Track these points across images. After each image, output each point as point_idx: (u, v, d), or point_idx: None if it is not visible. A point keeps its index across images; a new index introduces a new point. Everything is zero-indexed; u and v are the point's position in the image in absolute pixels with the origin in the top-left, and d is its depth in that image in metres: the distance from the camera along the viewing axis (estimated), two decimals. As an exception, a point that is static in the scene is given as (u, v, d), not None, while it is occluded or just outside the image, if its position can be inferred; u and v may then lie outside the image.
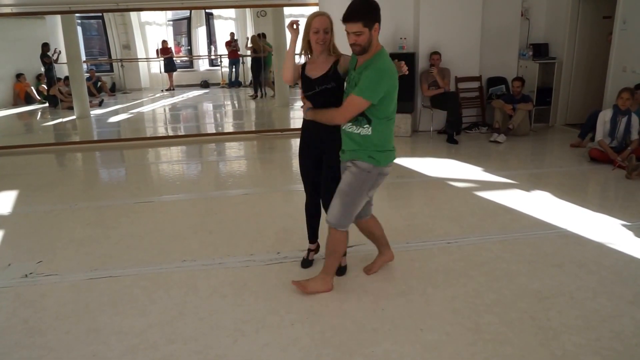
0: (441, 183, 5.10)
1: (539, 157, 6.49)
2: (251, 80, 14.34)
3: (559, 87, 7.60)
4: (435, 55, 7.02)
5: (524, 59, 7.67)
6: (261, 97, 12.36)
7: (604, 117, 5.67)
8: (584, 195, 4.81)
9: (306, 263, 3.28)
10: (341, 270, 3.14)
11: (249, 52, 14.07)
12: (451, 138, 6.85)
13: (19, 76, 10.71)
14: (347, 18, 2.49)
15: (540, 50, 7.71)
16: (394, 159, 2.76)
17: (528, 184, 4.92)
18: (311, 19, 2.78)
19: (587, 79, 7.53)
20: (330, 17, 2.82)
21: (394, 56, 7.33)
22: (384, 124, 2.65)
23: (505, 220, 4.02)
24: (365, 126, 2.63)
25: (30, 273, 3.30)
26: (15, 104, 10.82)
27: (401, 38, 7.24)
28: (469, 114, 7.61)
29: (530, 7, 7.67)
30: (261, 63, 12.15)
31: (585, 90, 7.56)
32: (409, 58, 7.20)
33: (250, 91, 13.88)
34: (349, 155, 2.73)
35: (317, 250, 3.34)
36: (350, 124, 2.68)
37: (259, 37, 12.00)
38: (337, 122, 2.72)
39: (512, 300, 2.79)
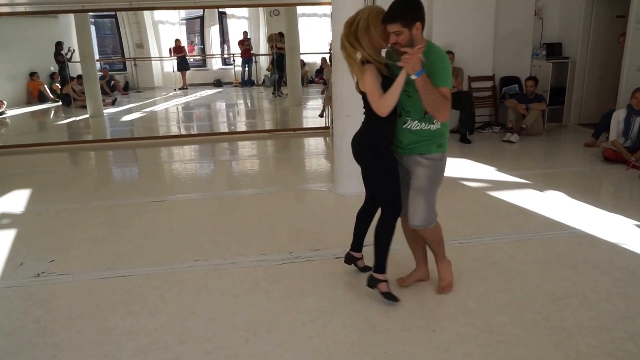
0: (454, 183, 5.06)
1: (552, 157, 6.42)
2: (264, 80, 14.38)
3: (572, 86, 7.51)
4: (448, 55, 6.94)
5: (537, 59, 7.59)
6: (279, 95, 12.37)
7: (618, 117, 5.60)
8: (598, 196, 4.74)
9: (349, 258, 3.15)
10: (348, 258, 3.11)
11: (262, 51, 14.10)
12: (464, 137, 6.80)
13: (32, 75, 10.83)
14: (386, 19, 2.47)
15: (553, 50, 7.63)
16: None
17: (541, 184, 4.87)
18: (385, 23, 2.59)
19: (600, 79, 7.44)
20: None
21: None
22: None
23: (519, 221, 3.97)
24: (434, 121, 2.57)
25: (43, 272, 3.33)
26: (29, 103, 10.96)
27: (413, 37, 7.18)
28: (482, 114, 7.55)
29: (544, 6, 7.58)
30: (282, 62, 12.16)
31: (599, 90, 7.46)
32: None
33: (263, 90, 13.92)
34: (410, 150, 2.63)
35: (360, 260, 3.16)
36: (417, 122, 2.58)
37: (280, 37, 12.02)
38: (440, 117, 2.50)
39: (525, 301, 2.76)
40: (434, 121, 2.56)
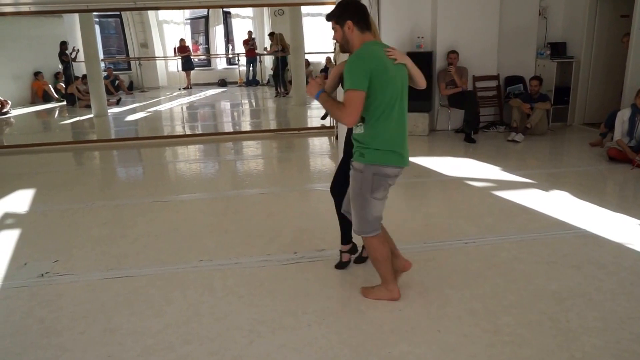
0: (458, 182, 5.05)
1: (556, 157, 6.40)
2: (268, 79, 14.36)
3: (576, 86, 7.48)
4: (452, 54, 6.95)
5: (541, 58, 7.57)
6: (283, 95, 12.40)
7: (622, 116, 5.57)
8: (603, 195, 4.72)
9: (340, 265, 3.22)
10: (341, 265, 3.19)
11: (264, 51, 14.10)
12: (469, 137, 6.79)
13: (37, 74, 10.85)
14: (326, 17, 2.69)
15: (558, 49, 7.60)
16: (400, 162, 2.62)
17: (546, 184, 4.85)
18: None
19: (605, 78, 7.41)
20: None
21: (411, 55, 7.31)
22: (380, 124, 2.53)
23: (523, 220, 3.96)
24: (359, 124, 2.59)
25: (47, 272, 3.34)
26: (34, 102, 10.98)
27: (418, 37, 7.18)
28: (487, 113, 7.53)
29: (548, 6, 7.56)
30: (285, 62, 12.21)
31: (604, 90, 7.44)
32: (427, 57, 7.15)
33: (267, 90, 13.91)
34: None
35: (351, 251, 3.24)
36: (356, 126, 2.62)
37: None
38: (344, 123, 2.56)
39: (530, 302, 2.75)
40: (359, 124, 2.59)
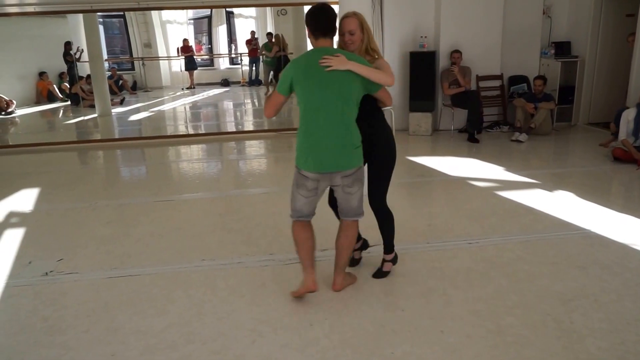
0: (462, 182, 5.03)
1: (561, 157, 6.37)
2: (271, 80, 14.39)
3: (581, 85, 7.44)
4: (456, 54, 6.93)
5: (545, 58, 7.53)
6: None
7: (628, 116, 5.53)
8: (608, 196, 4.70)
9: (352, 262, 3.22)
10: (353, 262, 3.18)
11: (262, 55, 14.13)
12: (472, 137, 6.76)
13: (41, 74, 10.90)
14: None
15: (562, 49, 7.56)
16: (307, 167, 2.66)
17: (550, 184, 4.83)
18: (340, 20, 2.76)
19: (610, 78, 7.37)
20: (359, 17, 2.76)
21: (415, 54, 7.26)
22: (301, 127, 2.67)
23: (527, 221, 3.94)
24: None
25: (51, 271, 3.35)
26: (38, 102, 11.02)
27: (422, 36, 7.16)
28: (490, 113, 7.50)
29: (552, 5, 7.52)
30: (287, 60, 12.22)
31: (609, 89, 7.40)
32: (430, 57, 7.14)
33: (270, 89, 13.91)
34: None
35: (362, 247, 3.26)
36: None
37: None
38: (265, 114, 2.77)
39: (534, 303, 2.74)
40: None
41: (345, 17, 2.72)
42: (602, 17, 7.19)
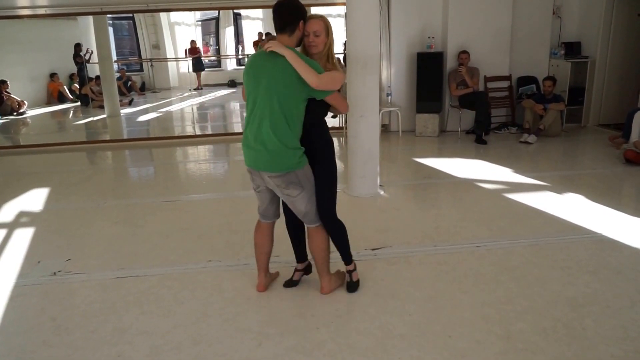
0: (469, 184, 4.99)
1: (571, 159, 6.30)
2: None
3: (592, 86, 7.37)
4: (463, 55, 6.89)
5: (555, 58, 7.46)
6: None
7: (639, 117, 5.46)
8: (619, 198, 4.64)
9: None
10: (291, 283, 3.04)
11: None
12: (480, 138, 6.71)
13: (52, 76, 11.00)
14: None
15: (572, 49, 7.49)
16: (245, 161, 2.71)
17: (560, 186, 4.77)
18: (307, 21, 2.64)
19: (621, 78, 7.30)
20: (326, 21, 2.67)
21: (422, 55, 7.23)
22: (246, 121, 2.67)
23: (537, 224, 3.90)
24: None
25: (59, 271, 3.36)
26: (49, 103, 11.12)
27: (429, 37, 7.12)
28: (499, 114, 7.44)
29: (562, 5, 7.45)
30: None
31: (620, 90, 7.32)
32: (437, 57, 7.10)
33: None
34: None
35: (303, 269, 3.10)
36: None
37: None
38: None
39: (544, 308, 2.70)
40: None
41: (311, 18, 2.64)
42: (613, 17, 7.11)
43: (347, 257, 2.91)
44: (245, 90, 2.63)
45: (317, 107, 2.64)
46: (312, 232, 2.79)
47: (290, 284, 3.02)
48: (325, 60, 2.67)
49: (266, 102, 2.51)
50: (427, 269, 3.20)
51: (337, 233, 2.85)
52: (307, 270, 3.09)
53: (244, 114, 2.66)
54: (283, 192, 2.66)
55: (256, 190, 2.78)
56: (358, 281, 2.97)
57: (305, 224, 2.82)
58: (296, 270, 3.05)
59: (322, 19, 2.68)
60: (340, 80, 2.61)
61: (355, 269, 2.95)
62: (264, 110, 2.52)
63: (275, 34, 2.64)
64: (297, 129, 2.58)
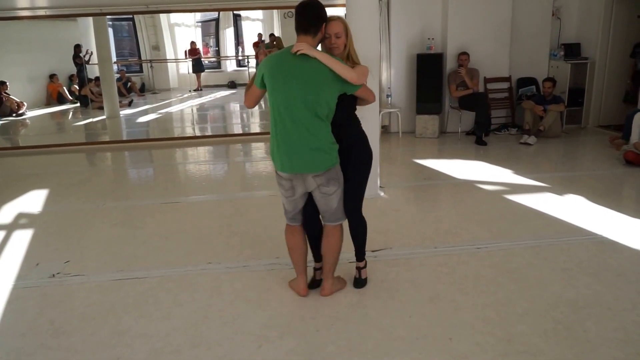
0: (470, 186, 4.98)
1: (571, 160, 6.30)
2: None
3: (591, 88, 7.37)
4: (463, 56, 6.88)
5: (555, 59, 7.46)
6: None
7: (639, 119, 5.45)
8: (620, 200, 4.63)
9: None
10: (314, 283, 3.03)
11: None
12: (480, 140, 6.71)
13: (52, 77, 10.99)
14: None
15: (572, 50, 7.48)
16: (281, 167, 2.65)
17: (560, 188, 4.76)
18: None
19: (620, 80, 7.29)
20: (344, 22, 2.72)
21: (422, 57, 7.23)
22: (271, 127, 2.65)
23: (537, 225, 3.89)
24: None
25: (58, 273, 3.34)
26: (48, 104, 11.11)
27: (429, 38, 7.12)
28: (498, 115, 7.44)
29: (562, 6, 7.45)
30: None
31: (619, 91, 7.32)
32: (437, 59, 7.09)
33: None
34: None
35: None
36: None
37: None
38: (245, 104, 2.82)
39: (545, 310, 2.69)
40: None
41: (331, 20, 2.66)
42: (612, 18, 7.11)
43: (362, 254, 2.98)
44: (272, 92, 2.58)
45: (347, 102, 2.70)
46: (331, 231, 2.79)
47: (315, 283, 3.02)
48: (345, 60, 2.71)
49: (302, 104, 2.52)
50: (428, 270, 3.19)
51: (362, 228, 2.92)
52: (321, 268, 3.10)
53: (266, 120, 2.71)
54: (322, 191, 2.66)
55: (289, 196, 2.72)
56: (366, 279, 3.01)
57: (325, 222, 2.81)
58: (317, 269, 3.05)
59: (341, 20, 2.72)
60: (368, 73, 2.71)
61: (365, 267, 3.00)
62: (301, 112, 2.53)
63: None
64: (330, 126, 2.63)
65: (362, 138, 2.82)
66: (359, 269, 3.00)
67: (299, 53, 2.50)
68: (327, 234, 2.81)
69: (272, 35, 12.97)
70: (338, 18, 2.71)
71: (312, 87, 2.51)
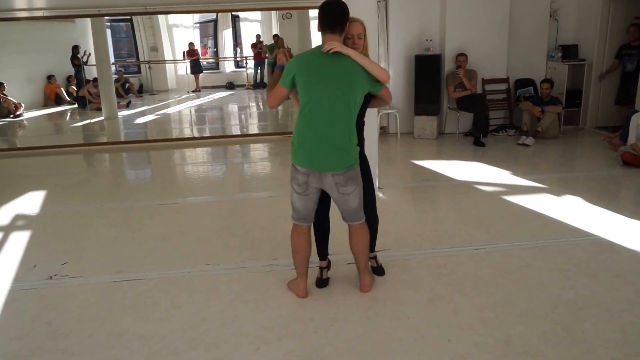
0: (468, 187, 4.99)
1: (569, 161, 6.31)
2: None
3: (589, 89, 7.37)
4: (461, 57, 6.89)
5: (552, 61, 7.48)
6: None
7: (637, 119, 5.47)
8: (617, 201, 4.64)
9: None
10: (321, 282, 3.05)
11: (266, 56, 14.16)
12: (478, 141, 6.72)
13: (49, 78, 10.96)
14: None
15: (569, 52, 7.49)
16: (300, 163, 2.65)
17: (558, 189, 4.77)
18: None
19: (618, 81, 7.29)
20: (363, 24, 2.78)
21: (420, 58, 7.24)
22: (299, 122, 2.66)
23: (535, 226, 3.89)
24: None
25: (55, 275, 3.33)
26: (46, 105, 11.08)
27: (427, 40, 7.13)
28: (496, 116, 7.45)
29: (559, 7, 7.46)
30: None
31: (617, 93, 7.31)
32: (435, 60, 7.10)
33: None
34: None
35: (328, 267, 3.12)
36: None
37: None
38: (267, 103, 2.79)
39: (544, 311, 2.69)
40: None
41: (353, 21, 2.71)
42: (609, 19, 7.12)
43: (374, 245, 3.14)
44: (306, 91, 2.59)
45: (363, 105, 2.73)
46: (358, 230, 2.81)
47: (322, 283, 3.03)
48: None
49: (336, 102, 2.55)
50: (426, 272, 3.19)
51: (376, 225, 3.06)
52: (329, 266, 3.12)
53: (294, 117, 2.72)
54: (339, 191, 2.66)
55: (303, 193, 2.70)
56: (381, 265, 3.19)
57: (349, 223, 2.82)
58: (322, 268, 3.06)
59: (361, 21, 2.76)
60: None
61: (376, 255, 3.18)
62: (335, 111, 2.56)
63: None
64: (354, 126, 2.66)
65: (363, 140, 2.87)
66: (374, 258, 3.15)
67: (331, 51, 2.52)
68: (354, 232, 2.83)
69: (275, 35, 12.96)
70: (358, 19, 2.75)
71: (347, 86, 2.55)
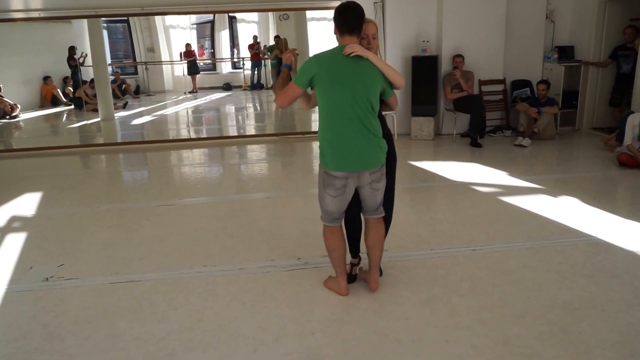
0: (465, 188, 4.99)
1: (565, 162, 6.33)
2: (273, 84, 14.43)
3: (585, 90, 7.40)
4: (458, 58, 6.90)
5: (549, 62, 7.50)
6: None
7: (633, 120, 5.49)
8: (614, 202, 4.65)
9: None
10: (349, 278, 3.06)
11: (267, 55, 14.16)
12: (475, 142, 6.73)
13: (46, 79, 10.93)
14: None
15: (565, 53, 7.53)
16: (333, 167, 2.65)
17: (555, 189, 4.78)
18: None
19: (612, 82, 7.32)
20: (377, 24, 2.82)
21: (417, 59, 7.25)
22: (324, 127, 2.67)
23: (532, 227, 3.90)
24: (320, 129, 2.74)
25: (51, 277, 3.32)
26: (42, 106, 11.05)
27: (424, 41, 7.14)
28: (493, 117, 7.47)
29: (555, 9, 7.49)
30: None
31: (611, 94, 7.34)
32: (432, 61, 7.11)
33: (272, 94, 13.92)
34: None
35: (358, 263, 3.16)
36: None
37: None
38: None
39: (541, 312, 2.69)
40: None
41: (367, 22, 2.73)
42: (605, 21, 7.16)
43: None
44: (330, 93, 2.61)
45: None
46: (377, 223, 2.88)
47: (351, 278, 3.05)
48: None
49: (362, 103, 2.59)
50: (424, 272, 3.19)
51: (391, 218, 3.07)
52: (359, 263, 3.15)
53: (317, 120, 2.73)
54: (373, 187, 2.72)
55: (338, 195, 2.71)
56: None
57: (369, 216, 2.87)
58: (353, 265, 3.10)
59: (374, 22, 2.82)
60: None
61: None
62: (362, 111, 2.60)
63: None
64: (379, 123, 2.72)
65: (391, 135, 2.93)
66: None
67: (353, 54, 2.55)
68: (372, 226, 2.87)
69: (277, 36, 12.95)
70: (372, 20, 2.79)
71: (370, 87, 2.61)
